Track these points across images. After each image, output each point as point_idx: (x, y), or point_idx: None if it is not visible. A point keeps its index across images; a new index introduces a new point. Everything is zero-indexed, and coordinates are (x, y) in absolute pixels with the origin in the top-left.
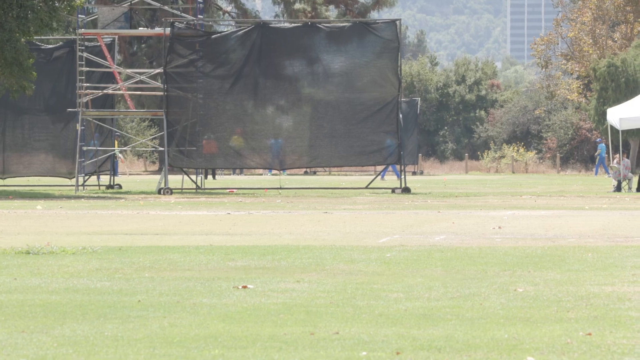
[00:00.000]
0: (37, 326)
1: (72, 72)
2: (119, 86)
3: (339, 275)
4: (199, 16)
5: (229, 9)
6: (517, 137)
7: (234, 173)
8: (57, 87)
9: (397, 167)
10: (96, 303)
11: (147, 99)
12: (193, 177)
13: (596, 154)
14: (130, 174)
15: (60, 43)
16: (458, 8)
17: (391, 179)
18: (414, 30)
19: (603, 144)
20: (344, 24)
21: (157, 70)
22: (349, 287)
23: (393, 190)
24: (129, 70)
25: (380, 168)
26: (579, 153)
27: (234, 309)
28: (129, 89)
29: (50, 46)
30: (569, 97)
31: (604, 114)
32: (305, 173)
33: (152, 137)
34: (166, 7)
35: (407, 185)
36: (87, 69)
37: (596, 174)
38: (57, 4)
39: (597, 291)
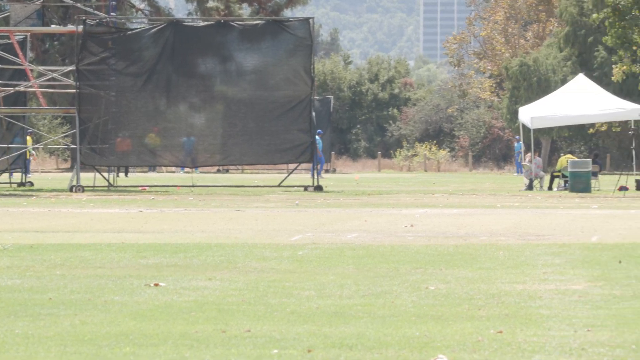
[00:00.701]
0: None
1: None
2: (31, 83)
3: (251, 273)
4: (112, 14)
5: (142, 6)
6: (430, 135)
7: (150, 170)
8: None
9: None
10: (7, 301)
11: (59, 96)
12: (105, 174)
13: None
14: (42, 172)
15: None
16: (371, 6)
17: (305, 177)
18: (327, 29)
19: (521, 142)
20: (257, 22)
21: (70, 68)
22: (261, 285)
23: (305, 188)
24: (41, 68)
25: (292, 166)
26: (491, 151)
27: (145, 306)
28: (41, 86)
29: None
30: (481, 95)
31: (516, 112)
32: (218, 171)
33: (64, 134)
34: (79, 5)
35: (320, 183)
36: None
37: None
38: None
39: (509, 289)
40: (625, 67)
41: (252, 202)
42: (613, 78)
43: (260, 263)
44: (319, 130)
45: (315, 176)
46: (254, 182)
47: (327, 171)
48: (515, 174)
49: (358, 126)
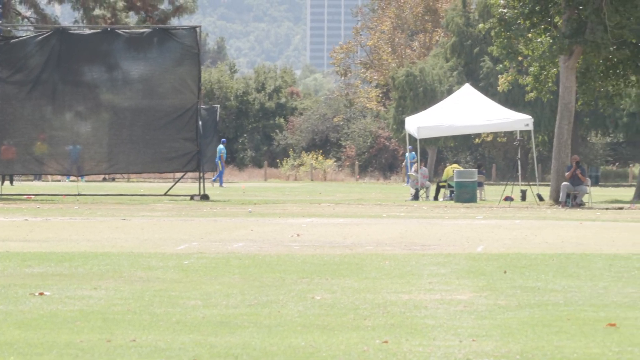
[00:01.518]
0: None
1: None
2: None
3: (137, 282)
4: None
5: (28, 14)
6: (317, 145)
7: (36, 179)
8: None
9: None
10: None
11: None
12: None
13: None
14: None
15: None
16: (258, 15)
17: (192, 186)
18: (214, 37)
19: (414, 153)
20: (143, 31)
21: None
22: (147, 294)
23: (192, 197)
24: None
25: (179, 175)
26: (377, 161)
27: (30, 315)
28: None
29: None
30: (367, 105)
31: (403, 122)
32: (104, 180)
33: None
34: None
35: (206, 192)
36: None
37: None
38: None
39: (394, 299)
40: (510, 77)
41: (138, 211)
42: (499, 88)
43: (145, 272)
44: (223, 140)
45: (202, 185)
46: (140, 191)
47: (214, 180)
48: (405, 184)
49: (245, 135)
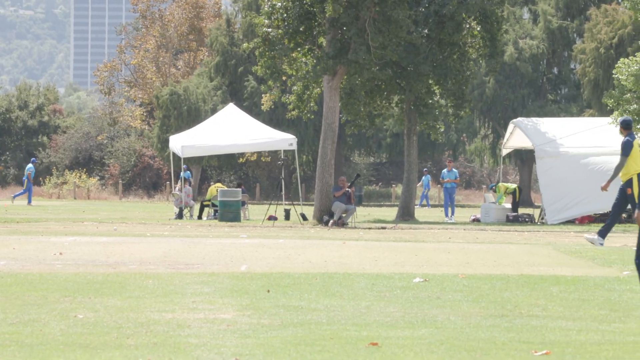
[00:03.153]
0: None
1: None
2: None
3: None
4: None
5: None
6: (80, 163)
7: None
8: None
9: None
10: None
11: None
12: None
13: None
14: None
15: None
16: (21, 33)
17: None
18: None
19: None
20: None
21: None
22: None
23: None
24: None
25: None
26: (141, 180)
27: None
28: None
29: None
30: (132, 124)
31: (167, 141)
32: None
33: None
34: None
35: None
36: None
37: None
38: None
39: (158, 318)
40: (274, 96)
41: None
42: (263, 107)
43: None
44: (33, 159)
45: None
46: None
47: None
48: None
49: (7, 153)
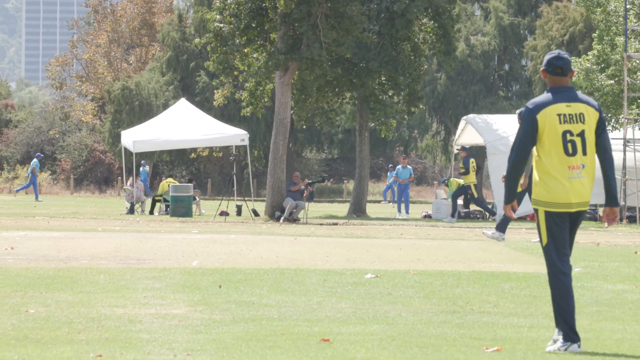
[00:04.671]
0: None
1: None
2: None
3: None
4: None
5: None
6: (31, 157)
7: None
8: None
9: None
10: None
11: None
12: None
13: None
14: None
15: None
16: None
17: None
18: None
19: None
20: None
21: None
22: None
23: None
24: None
25: None
26: (93, 175)
27: None
28: None
29: None
30: (83, 119)
31: (118, 136)
32: None
33: None
34: None
35: None
36: None
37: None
38: None
39: (109, 313)
40: (226, 91)
41: None
42: (215, 103)
43: None
44: (38, 154)
45: None
46: None
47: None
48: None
49: None
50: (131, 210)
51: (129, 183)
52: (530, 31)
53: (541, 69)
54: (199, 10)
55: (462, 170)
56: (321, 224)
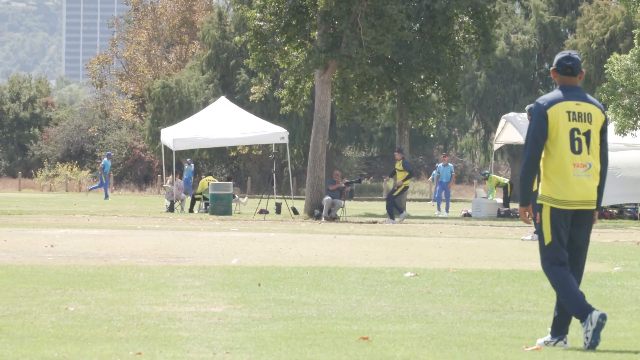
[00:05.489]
0: None
1: None
2: None
3: None
4: None
5: None
6: (72, 155)
7: None
8: None
9: None
10: None
11: None
12: None
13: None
14: None
15: None
16: (13, 25)
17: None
18: None
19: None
20: None
21: None
22: None
23: None
24: None
25: None
26: (132, 173)
27: None
28: None
29: None
30: (123, 116)
31: (158, 134)
32: None
33: None
34: None
35: None
36: None
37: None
38: None
39: (149, 311)
40: (264, 88)
41: None
42: (252, 97)
43: None
44: (109, 153)
45: None
46: None
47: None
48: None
49: None
50: (171, 208)
51: (168, 181)
52: (571, 29)
53: (551, 68)
54: (239, 8)
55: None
56: (360, 222)
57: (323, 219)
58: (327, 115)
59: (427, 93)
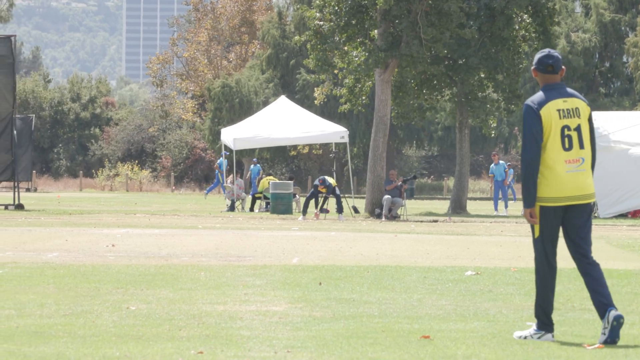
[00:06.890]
0: None
1: None
2: None
3: None
4: None
5: None
6: (132, 155)
7: None
8: None
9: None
10: None
11: None
12: None
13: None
14: None
15: None
16: (74, 25)
17: (7, 196)
18: (29, 47)
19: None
20: None
21: None
22: None
23: (6, 207)
24: None
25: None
26: (193, 172)
27: None
28: None
29: None
30: (183, 116)
31: (218, 133)
32: None
33: None
34: None
35: (21, 202)
36: None
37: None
38: None
39: (210, 310)
40: (326, 89)
41: None
42: (316, 102)
43: None
44: (225, 152)
45: (17, 194)
46: None
47: (27, 190)
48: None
49: (60, 145)
50: (232, 208)
51: (229, 180)
52: (632, 28)
53: (532, 67)
54: (299, 7)
55: None
56: (421, 221)
57: (384, 218)
58: (388, 114)
59: (487, 92)
